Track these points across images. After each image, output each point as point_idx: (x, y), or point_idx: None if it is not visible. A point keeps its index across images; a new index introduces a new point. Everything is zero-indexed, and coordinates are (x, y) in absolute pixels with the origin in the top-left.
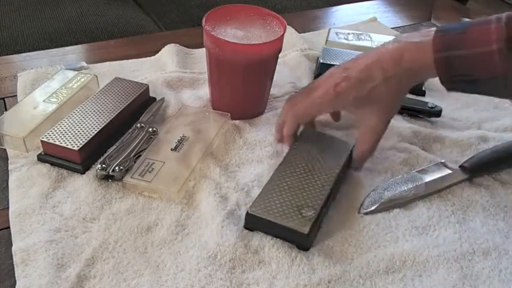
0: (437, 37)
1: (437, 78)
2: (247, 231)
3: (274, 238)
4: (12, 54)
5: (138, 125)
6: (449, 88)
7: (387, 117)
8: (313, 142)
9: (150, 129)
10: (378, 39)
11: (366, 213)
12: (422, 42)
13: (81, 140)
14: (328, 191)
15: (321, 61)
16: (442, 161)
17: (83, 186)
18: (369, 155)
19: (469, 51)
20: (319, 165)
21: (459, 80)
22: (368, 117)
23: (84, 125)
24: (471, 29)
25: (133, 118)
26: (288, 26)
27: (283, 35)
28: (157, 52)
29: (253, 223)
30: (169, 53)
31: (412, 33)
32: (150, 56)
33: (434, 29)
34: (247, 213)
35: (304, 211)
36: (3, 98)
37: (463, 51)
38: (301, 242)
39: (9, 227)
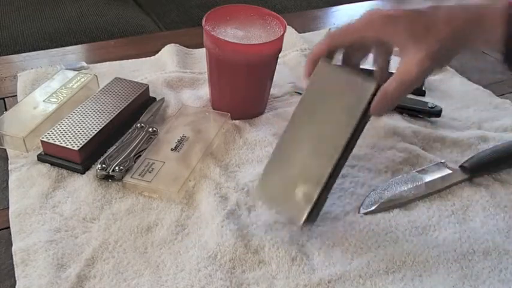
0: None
1: (435, 79)
2: (247, 231)
3: (274, 238)
4: (12, 54)
5: (138, 125)
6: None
7: (436, 63)
8: (327, 85)
9: (150, 129)
10: None
11: (366, 213)
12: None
13: (81, 140)
14: (334, 162)
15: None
16: (442, 161)
17: (83, 186)
18: (395, 98)
19: None
20: (328, 124)
21: None
22: (416, 53)
23: (84, 125)
24: None
25: (133, 118)
26: (288, 26)
27: (283, 35)
28: (157, 52)
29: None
30: (169, 53)
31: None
32: (150, 56)
33: None
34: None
35: (302, 194)
36: (3, 98)
37: None
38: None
39: (9, 227)
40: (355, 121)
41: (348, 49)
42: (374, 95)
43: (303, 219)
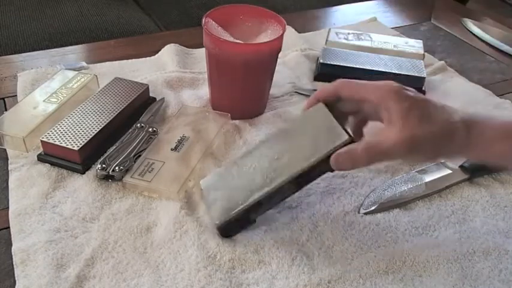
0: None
1: (435, 79)
2: (246, 230)
3: (274, 238)
4: (12, 54)
5: (138, 125)
6: None
7: (414, 149)
8: (312, 122)
9: (150, 129)
10: (378, 39)
11: (366, 213)
12: None
13: (81, 140)
14: (272, 188)
15: (321, 61)
16: (442, 161)
17: (82, 186)
18: (359, 162)
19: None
20: (291, 153)
21: None
22: (402, 131)
23: (84, 125)
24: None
25: (134, 118)
26: (287, 26)
27: (282, 34)
28: (157, 52)
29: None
30: (169, 53)
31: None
32: (150, 56)
33: None
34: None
35: (233, 202)
36: (3, 98)
37: None
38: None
39: (9, 227)
40: (314, 160)
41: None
42: (342, 147)
43: (220, 222)
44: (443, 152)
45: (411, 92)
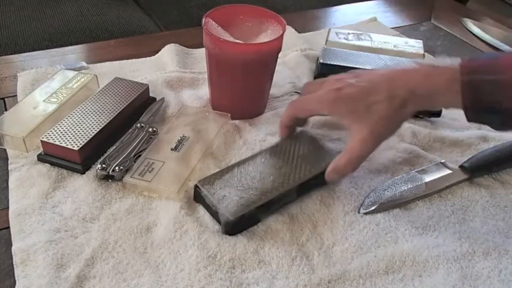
0: (466, 61)
1: None
2: (246, 230)
3: (274, 238)
4: (12, 54)
5: (138, 125)
6: (472, 116)
7: (380, 137)
8: (300, 143)
9: (150, 129)
10: (378, 39)
11: (366, 213)
12: (446, 67)
13: (81, 140)
14: (283, 191)
15: (321, 61)
16: (442, 161)
17: (82, 186)
18: (343, 172)
19: (501, 76)
20: (290, 167)
21: (485, 108)
22: (360, 131)
23: (84, 125)
24: (502, 57)
25: (134, 118)
26: (288, 26)
27: (282, 34)
28: (157, 52)
29: (197, 196)
30: (169, 53)
31: (435, 59)
32: (150, 56)
33: (457, 58)
34: (195, 185)
35: (243, 201)
36: (3, 98)
37: (494, 76)
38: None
39: (9, 227)
40: (311, 174)
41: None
42: None
43: (234, 217)
44: (404, 118)
45: (347, 85)
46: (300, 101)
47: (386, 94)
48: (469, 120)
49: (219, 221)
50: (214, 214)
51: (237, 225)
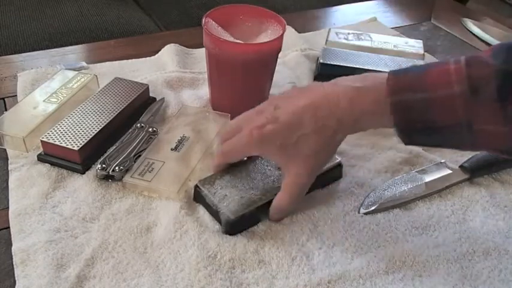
0: (392, 79)
1: None
2: (247, 230)
3: (274, 238)
4: (12, 54)
5: (138, 125)
6: (408, 139)
7: (314, 170)
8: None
9: (150, 129)
10: (378, 39)
11: (366, 213)
12: (372, 88)
13: (81, 140)
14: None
15: (321, 61)
16: (442, 161)
17: (82, 186)
18: (287, 210)
19: (430, 95)
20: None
21: (420, 129)
22: (292, 168)
23: (84, 125)
24: (429, 70)
25: (134, 118)
26: (288, 26)
27: (282, 34)
28: (157, 52)
29: (197, 196)
30: (169, 53)
31: (354, 77)
32: (150, 56)
33: (382, 73)
34: (195, 185)
35: (244, 200)
36: (3, 98)
37: (423, 94)
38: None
39: (9, 227)
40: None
41: None
42: None
43: (235, 216)
44: (336, 145)
45: (269, 121)
46: (226, 147)
47: (312, 126)
48: (405, 143)
49: (219, 221)
50: (214, 214)
51: (237, 225)
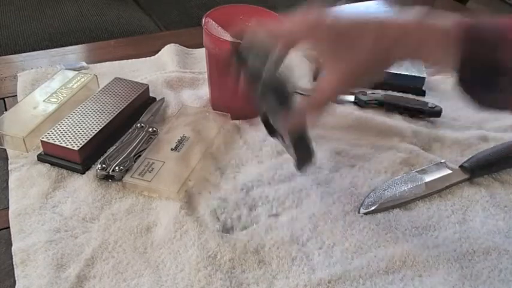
0: (464, 20)
1: (435, 78)
2: (246, 230)
3: (274, 238)
4: (12, 54)
5: (138, 125)
6: (466, 76)
7: (357, 80)
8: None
9: (150, 129)
10: None
11: (366, 213)
12: (438, 21)
13: (81, 140)
14: None
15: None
16: (442, 161)
17: (82, 186)
18: (332, 92)
19: (501, 34)
20: None
21: (483, 66)
22: (333, 67)
23: (84, 125)
24: (501, 20)
25: (134, 118)
26: None
27: None
28: (157, 52)
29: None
30: (169, 53)
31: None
32: (150, 56)
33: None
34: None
35: None
36: (3, 98)
37: (494, 33)
38: None
39: (9, 227)
40: None
41: None
42: None
43: None
44: (387, 65)
45: (335, 15)
46: (294, 25)
47: (374, 34)
48: (461, 85)
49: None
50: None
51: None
